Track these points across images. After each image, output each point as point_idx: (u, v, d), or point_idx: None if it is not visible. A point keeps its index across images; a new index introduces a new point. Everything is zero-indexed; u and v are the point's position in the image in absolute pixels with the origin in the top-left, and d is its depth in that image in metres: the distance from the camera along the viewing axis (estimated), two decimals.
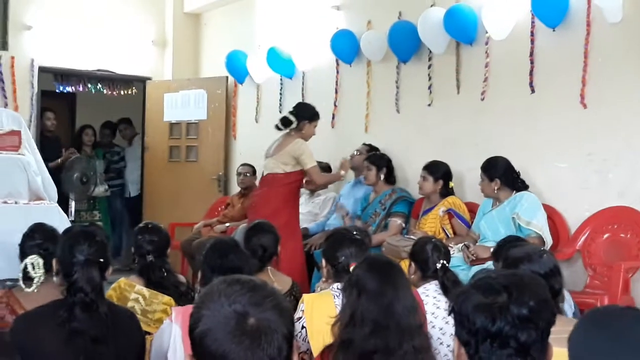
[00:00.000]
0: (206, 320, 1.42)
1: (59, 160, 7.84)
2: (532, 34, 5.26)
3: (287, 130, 5.76)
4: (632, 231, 4.61)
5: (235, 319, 1.40)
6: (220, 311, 1.41)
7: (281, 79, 7.57)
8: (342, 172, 5.93)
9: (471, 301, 1.63)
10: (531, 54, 5.26)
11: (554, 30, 5.07)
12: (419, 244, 3.57)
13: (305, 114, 5.79)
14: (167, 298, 3.68)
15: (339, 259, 3.23)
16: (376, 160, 5.89)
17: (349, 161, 6.03)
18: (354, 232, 3.38)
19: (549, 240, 4.65)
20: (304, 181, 5.85)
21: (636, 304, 4.46)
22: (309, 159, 5.67)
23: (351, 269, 3.02)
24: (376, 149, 6.26)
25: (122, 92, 8.85)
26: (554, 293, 2.69)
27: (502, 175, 4.90)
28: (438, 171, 5.40)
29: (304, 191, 6.88)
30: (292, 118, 5.74)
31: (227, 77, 8.20)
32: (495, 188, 4.90)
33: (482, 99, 5.62)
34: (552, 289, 2.66)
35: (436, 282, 3.40)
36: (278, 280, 3.75)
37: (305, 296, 3.15)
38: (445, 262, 3.43)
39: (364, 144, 6.34)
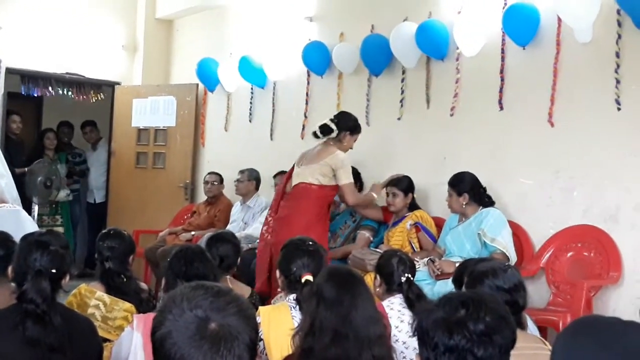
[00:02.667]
0: (167, 323, 1.41)
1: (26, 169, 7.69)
2: (502, 51, 5.31)
3: (324, 140, 5.30)
4: (595, 250, 4.65)
5: (195, 323, 1.39)
6: (182, 315, 1.41)
7: (252, 88, 7.55)
8: (375, 195, 5.49)
9: (431, 317, 1.66)
10: (501, 72, 5.31)
11: (524, 49, 5.12)
12: (385, 257, 3.56)
13: (347, 125, 5.33)
14: (128, 305, 3.63)
15: (292, 270, 3.21)
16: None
17: (380, 185, 5.51)
18: (309, 243, 3.36)
19: (513, 258, 4.67)
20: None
21: None
22: (347, 175, 5.20)
23: (303, 279, 3.01)
24: None
25: (91, 98, 8.71)
26: (518, 308, 2.69)
27: (470, 190, 4.92)
28: (403, 184, 5.40)
29: (271, 201, 6.86)
30: (333, 126, 5.27)
31: (197, 85, 8.16)
32: (464, 203, 4.92)
33: (452, 115, 5.65)
34: (516, 304, 2.67)
35: (401, 295, 3.39)
36: (237, 289, 3.71)
37: (261, 308, 3.13)
38: (410, 275, 3.43)
39: None
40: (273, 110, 7.34)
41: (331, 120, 5.31)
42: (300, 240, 3.44)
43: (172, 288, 2.96)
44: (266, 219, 5.59)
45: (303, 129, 6.98)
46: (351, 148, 5.37)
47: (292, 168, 5.48)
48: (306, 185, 5.21)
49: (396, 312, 3.33)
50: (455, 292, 1.78)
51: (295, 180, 5.30)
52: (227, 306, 1.41)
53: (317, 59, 6.62)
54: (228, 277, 3.91)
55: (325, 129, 5.26)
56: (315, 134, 5.30)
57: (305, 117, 6.98)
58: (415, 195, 5.48)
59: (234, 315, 1.41)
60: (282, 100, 7.27)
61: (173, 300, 1.45)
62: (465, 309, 1.66)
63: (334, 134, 5.25)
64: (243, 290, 3.86)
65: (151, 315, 1.67)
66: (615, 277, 4.50)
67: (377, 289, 3.50)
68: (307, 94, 6.98)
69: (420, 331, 1.70)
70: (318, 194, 5.20)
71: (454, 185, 4.96)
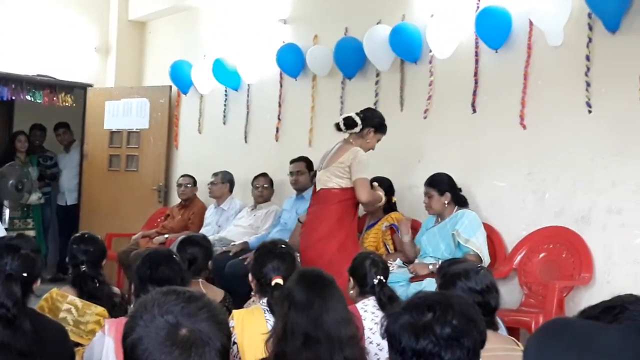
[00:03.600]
0: (138, 329, 1.40)
1: None
2: (475, 54, 5.34)
3: (347, 136, 4.94)
4: (567, 251, 4.70)
5: (166, 329, 1.38)
6: (153, 321, 1.40)
7: (226, 91, 7.52)
8: (382, 195, 5.16)
9: (399, 321, 1.65)
10: (474, 74, 5.34)
11: (496, 52, 5.16)
12: (358, 260, 3.57)
13: (373, 121, 4.95)
14: (100, 309, 3.60)
15: (263, 273, 3.21)
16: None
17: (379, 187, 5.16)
18: (280, 246, 3.35)
19: (486, 259, 4.70)
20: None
21: None
22: (361, 170, 4.79)
23: (273, 282, 3.00)
24: (311, 163, 6.26)
25: (60, 101, 8.60)
26: (490, 309, 2.71)
27: (448, 189, 4.93)
28: (384, 186, 5.40)
29: (245, 203, 6.85)
30: (357, 120, 4.88)
31: (170, 87, 8.11)
32: (446, 202, 4.91)
33: (425, 117, 5.68)
34: (488, 306, 2.69)
35: (374, 297, 3.39)
36: (209, 293, 3.70)
37: (235, 312, 3.12)
38: (382, 277, 3.43)
39: (301, 158, 6.32)
40: (247, 112, 7.33)
41: (356, 114, 4.95)
42: (272, 243, 3.44)
43: (141, 292, 2.96)
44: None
45: (277, 131, 6.97)
46: (372, 149, 4.98)
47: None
48: (327, 191, 4.87)
49: (370, 314, 3.34)
50: (423, 295, 1.77)
51: (317, 186, 5.00)
52: (198, 312, 1.41)
53: (291, 61, 6.62)
54: (200, 280, 3.88)
55: (349, 122, 4.90)
56: (337, 126, 4.95)
57: (279, 119, 6.97)
58: (394, 198, 5.49)
59: (205, 320, 1.40)
60: (256, 103, 7.26)
61: (144, 305, 1.44)
62: (431, 312, 1.65)
63: (357, 129, 4.88)
64: (216, 293, 3.84)
65: (123, 320, 1.67)
66: (587, 278, 4.55)
67: (351, 291, 3.51)
68: (281, 97, 6.97)
69: (388, 335, 1.69)
70: (341, 198, 4.84)
71: (435, 185, 4.95)
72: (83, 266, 3.72)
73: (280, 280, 2.99)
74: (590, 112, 4.65)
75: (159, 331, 1.38)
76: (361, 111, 5.01)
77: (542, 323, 1.72)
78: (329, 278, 2.58)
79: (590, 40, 4.67)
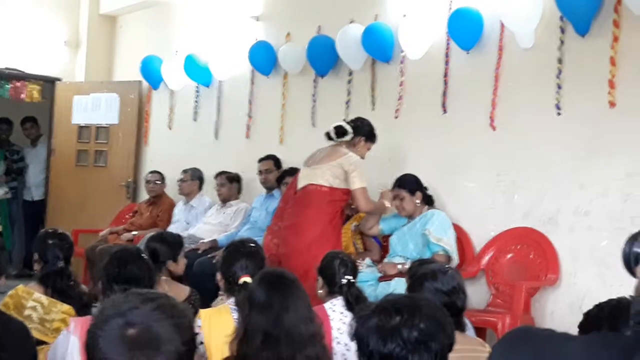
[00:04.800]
0: (96, 331, 1.39)
1: None
2: (446, 55, 5.36)
3: (337, 142, 4.92)
4: (534, 252, 4.73)
5: (119, 331, 1.37)
6: (108, 323, 1.39)
7: (197, 87, 7.47)
8: (387, 203, 5.03)
9: (367, 324, 1.65)
10: (445, 75, 5.36)
11: (467, 53, 5.18)
12: (327, 259, 3.56)
13: (364, 130, 4.98)
14: (66, 307, 3.55)
15: (231, 272, 3.19)
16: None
17: (389, 191, 5.05)
18: (249, 245, 3.34)
19: (455, 259, 4.72)
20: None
21: (536, 323, 4.58)
22: (360, 178, 4.76)
23: (240, 281, 2.99)
24: (279, 161, 6.23)
25: (28, 95, 8.48)
26: (456, 310, 2.72)
27: (418, 189, 4.94)
28: None
29: (215, 201, 6.81)
30: (348, 128, 4.91)
31: (140, 82, 8.03)
32: (417, 202, 4.92)
33: (396, 117, 5.69)
34: (454, 306, 2.69)
35: (343, 297, 3.39)
36: (173, 291, 3.67)
37: (202, 311, 3.10)
38: (351, 277, 3.43)
39: (269, 156, 6.30)
40: (218, 109, 7.28)
41: (347, 122, 5.00)
42: (240, 241, 3.42)
43: (108, 291, 2.93)
44: (270, 227, 5.20)
45: (248, 128, 6.95)
46: (362, 158, 4.93)
47: (298, 172, 5.13)
48: (316, 188, 4.78)
49: (338, 313, 3.33)
50: (391, 298, 1.76)
51: (302, 182, 4.88)
52: (152, 312, 1.40)
53: (263, 58, 6.59)
54: (163, 277, 3.84)
55: (340, 131, 4.90)
56: (328, 135, 4.93)
57: (250, 116, 6.94)
58: None
59: (160, 321, 1.39)
60: (227, 100, 7.22)
61: (103, 308, 1.44)
62: (399, 316, 1.65)
63: (348, 137, 4.89)
64: (180, 290, 3.80)
65: (89, 319, 1.65)
66: (553, 279, 4.58)
67: (320, 291, 3.50)
68: (252, 94, 6.94)
69: (356, 338, 1.69)
70: (329, 198, 4.76)
71: (406, 185, 4.94)
72: (60, 262, 3.65)
73: (248, 279, 2.98)
74: (559, 114, 4.69)
75: (113, 333, 1.38)
76: (352, 120, 5.07)
77: (507, 332, 1.72)
78: (291, 277, 2.58)
79: (561, 42, 4.71)
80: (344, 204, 4.90)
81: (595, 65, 4.54)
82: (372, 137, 5.04)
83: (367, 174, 4.83)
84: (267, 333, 2.37)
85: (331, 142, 4.95)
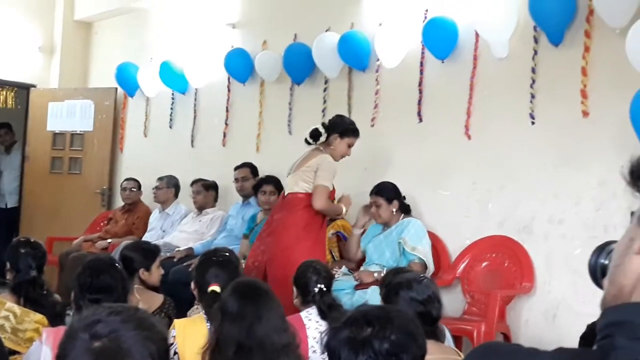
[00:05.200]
0: (66, 346, 1.37)
1: None
2: (421, 64, 5.39)
3: (315, 146, 4.89)
4: (509, 260, 4.76)
5: (86, 343, 1.36)
6: (76, 336, 1.38)
7: (173, 94, 7.44)
8: (344, 209, 5.03)
9: (338, 335, 1.65)
10: (420, 84, 5.39)
11: (442, 62, 5.21)
12: (301, 268, 3.56)
13: (336, 127, 4.89)
14: (39, 316, 3.51)
15: (204, 281, 3.18)
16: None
17: (349, 197, 5.12)
18: (221, 253, 3.33)
19: (431, 267, 4.74)
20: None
21: (511, 331, 4.61)
22: (326, 176, 4.73)
23: (209, 289, 2.98)
24: (255, 169, 6.22)
25: (2, 101, 8.40)
26: (431, 319, 2.73)
27: (395, 197, 4.96)
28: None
29: (191, 209, 6.78)
30: (321, 129, 4.85)
31: (116, 89, 7.98)
32: (394, 210, 4.93)
33: (372, 125, 5.70)
34: (429, 315, 2.70)
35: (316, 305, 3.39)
36: (146, 299, 3.65)
37: (176, 321, 3.08)
38: (323, 286, 3.42)
39: (246, 164, 6.29)
40: (194, 116, 7.26)
41: (322, 123, 4.98)
42: (214, 250, 3.42)
43: (80, 301, 2.90)
44: (259, 235, 5.17)
45: (224, 136, 6.93)
46: (347, 154, 4.92)
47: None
48: (294, 196, 4.80)
49: (314, 322, 3.33)
50: (363, 309, 1.77)
51: (286, 191, 4.94)
52: (120, 325, 1.39)
53: (240, 66, 6.59)
54: (136, 286, 3.81)
55: (314, 133, 4.86)
56: (306, 141, 4.90)
57: (227, 124, 6.93)
58: None
59: (128, 334, 1.38)
60: (204, 107, 7.20)
61: (72, 322, 1.46)
62: (371, 327, 1.65)
63: (322, 138, 4.85)
64: (154, 299, 3.78)
65: (62, 329, 1.64)
66: (528, 287, 4.62)
67: (295, 300, 3.50)
68: (228, 101, 6.93)
69: (328, 350, 1.69)
70: (305, 203, 4.74)
71: (383, 193, 4.96)
72: (33, 271, 3.61)
73: (216, 288, 2.97)
74: (533, 123, 4.73)
75: (79, 346, 1.38)
76: (329, 120, 5.04)
77: (473, 349, 1.73)
78: (263, 287, 2.58)
79: (535, 52, 4.76)
80: None
81: (568, 75, 4.58)
82: (348, 132, 4.91)
83: (333, 175, 4.77)
84: (239, 343, 2.36)
85: (311, 147, 4.94)
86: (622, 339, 0.74)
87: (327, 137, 4.85)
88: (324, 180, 4.72)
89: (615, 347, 0.74)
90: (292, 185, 4.83)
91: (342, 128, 4.90)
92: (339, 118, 5.01)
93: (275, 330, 2.41)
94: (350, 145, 4.91)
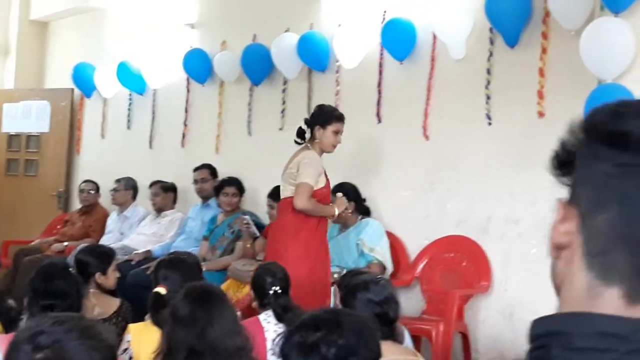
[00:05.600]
0: (10, 356, 1.35)
1: None
2: (380, 65, 5.41)
3: (303, 145, 4.55)
4: (467, 260, 4.81)
5: (31, 355, 1.34)
6: (21, 347, 1.36)
7: (130, 95, 7.36)
8: (336, 211, 4.53)
9: (290, 340, 1.65)
10: (379, 85, 5.41)
11: (401, 63, 5.24)
12: (257, 272, 3.55)
13: (316, 118, 4.54)
14: None
15: (156, 284, 3.15)
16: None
17: (344, 199, 4.71)
18: (179, 257, 3.31)
19: (389, 268, 4.76)
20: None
21: (469, 330, 4.65)
22: (306, 172, 4.35)
23: (153, 290, 2.96)
24: (215, 170, 6.18)
25: None
26: (389, 320, 2.73)
27: (353, 199, 4.96)
28: (274, 194, 5.39)
29: (149, 211, 6.71)
30: (304, 126, 4.54)
31: (72, 89, 7.87)
32: (350, 211, 4.94)
33: None
34: (387, 316, 2.71)
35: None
36: (102, 303, 3.61)
37: (131, 326, 3.05)
38: (278, 288, 3.41)
39: (205, 165, 6.25)
40: (152, 117, 7.19)
41: (305, 119, 4.60)
42: (172, 252, 3.39)
43: (33, 307, 2.85)
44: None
45: (183, 137, 6.88)
46: (337, 143, 4.56)
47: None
48: (283, 201, 4.51)
49: (273, 325, 3.31)
50: (314, 313, 1.77)
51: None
52: (63, 335, 1.38)
53: (198, 66, 6.54)
54: (93, 290, 3.75)
55: (298, 132, 4.57)
56: (296, 142, 4.60)
57: (186, 125, 6.88)
58: None
59: (71, 343, 1.36)
60: (162, 108, 7.14)
61: (17, 333, 1.44)
62: (319, 331, 1.65)
63: (307, 134, 4.53)
64: (110, 303, 3.72)
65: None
66: (485, 286, 4.66)
67: (254, 303, 3.48)
68: (187, 102, 6.87)
69: (281, 354, 1.69)
70: (292, 207, 4.40)
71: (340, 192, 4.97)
72: None
73: (161, 290, 2.94)
74: (490, 124, 4.78)
75: (23, 357, 1.37)
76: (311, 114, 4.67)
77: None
78: (216, 291, 2.56)
79: (491, 54, 4.80)
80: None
81: (524, 76, 4.64)
82: (329, 119, 4.52)
83: (316, 170, 4.39)
84: (191, 348, 2.35)
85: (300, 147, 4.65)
86: (558, 350, 0.74)
87: (312, 132, 4.53)
88: (305, 177, 4.35)
89: (552, 357, 0.74)
90: (282, 190, 4.54)
91: (322, 117, 4.55)
92: (317, 108, 4.69)
93: (228, 334, 2.40)
94: (337, 132, 4.54)
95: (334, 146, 4.56)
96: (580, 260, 0.79)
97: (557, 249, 0.83)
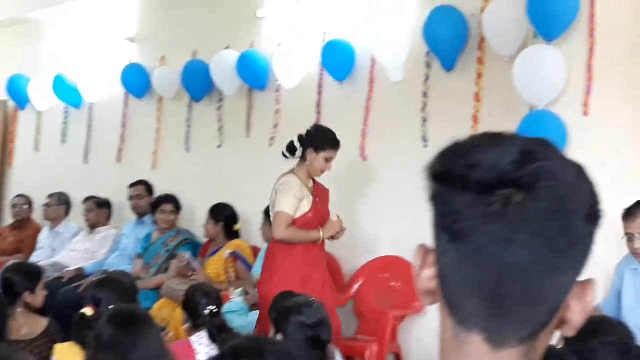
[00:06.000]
0: None
1: None
2: (320, 85, 5.44)
3: (294, 159, 4.35)
4: (402, 280, 4.84)
5: None
6: None
7: (66, 108, 7.23)
8: (322, 234, 4.25)
9: None
10: (318, 105, 5.44)
11: (340, 84, 5.27)
12: (189, 293, 3.51)
13: (310, 140, 4.26)
14: None
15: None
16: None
17: (340, 221, 4.39)
18: (111, 276, 3.26)
19: None
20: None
21: (402, 350, 4.68)
22: (281, 201, 4.14)
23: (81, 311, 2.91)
24: (151, 187, 6.13)
25: None
26: (321, 344, 2.73)
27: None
28: (220, 214, 5.37)
29: (83, 227, 6.56)
30: (296, 143, 4.29)
31: (6, 101, 7.69)
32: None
33: (271, 145, 5.70)
34: (318, 340, 2.71)
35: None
36: (29, 323, 3.52)
37: (57, 346, 2.99)
38: (214, 307, 3.38)
39: (140, 182, 6.17)
40: (88, 131, 7.07)
41: (299, 135, 4.35)
42: (105, 271, 3.33)
43: None
44: None
45: (120, 152, 6.78)
46: (326, 170, 4.30)
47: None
48: (272, 225, 4.28)
49: (205, 347, 3.27)
50: (238, 342, 1.75)
51: None
52: None
53: (137, 81, 6.48)
54: (20, 310, 3.64)
55: (289, 147, 4.33)
56: (283, 154, 4.39)
57: (123, 140, 6.78)
58: (238, 225, 5.45)
59: None
60: (99, 122, 7.03)
61: None
62: (243, 357, 1.64)
63: (298, 153, 4.29)
64: (38, 323, 3.62)
65: None
66: (419, 307, 4.70)
67: (185, 325, 3.44)
68: (125, 117, 6.78)
69: None
70: None
71: (268, 214, 4.96)
72: None
73: (87, 311, 2.88)
74: (426, 146, 4.84)
75: None
76: (307, 131, 4.41)
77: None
78: (141, 315, 2.52)
79: (427, 77, 4.88)
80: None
81: (460, 100, 4.72)
82: (323, 145, 4.25)
83: (294, 196, 4.18)
84: None
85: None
86: None
87: (303, 152, 4.28)
88: (281, 205, 4.15)
89: None
90: (271, 215, 4.30)
91: (317, 141, 4.27)
92: (314, 129, 4.42)
93: (153, 358, 2.36)
94: (328, 160, 4.28)
95: (323, 172, 4.32)
96: (443, 307, 0.78)
97: (429, 295, 0.80)
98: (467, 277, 0.74)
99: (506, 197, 0.72)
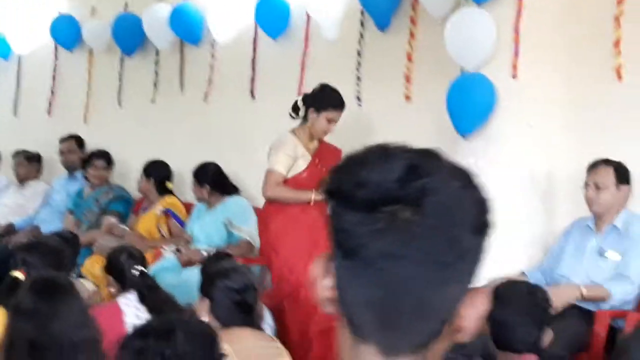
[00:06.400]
0: None
1: None
2: (254, 41, 5.38)
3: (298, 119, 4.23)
4: None
5: None
6: None
7: None
8: (312, 196, 4.07)
9: (126, 346, 1.67)
10: (253, 61, 5.39)
11: (275, 41, 5.23)
12: (112, 256, 3.48)
13: (313, 100, 4.15)
14: None
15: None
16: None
17: None
18: (43, 239, 3.21)
19: (257, 245, 4.78)
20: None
21: None
22: (273, 159, 4.09)
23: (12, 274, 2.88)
24: (82, 142, 6.03)
25: None
26: (248, 308, 2.76)
27: (211, 181, 4.94)
28: (153, 171, 5.32)
29: (12, 181, 6.41)
30: (299, 102, 4.19)
31: None
32: (205, 193, 4.94)
33: (205, 100, 5.65)
34: (245, 304, 2.74)
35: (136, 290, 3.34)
36: None
37: None
38: (141, 267, 3.37)
39: (71, 136, 6.05)
40: (17, 83, 6.89)
41: (304, 94, 4.29)
42: (38, 237, 3.27)
43: None
44: None
45: (50, 105, 6.63)
46: (328, 131, 4.21)
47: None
48: None
49: (133, 308, 3.27)
50: (154, 320, 1.78)
51: None
52: None
53: (66, 33, 6.32)
54: None
55: (293, 107, 4.21)
56: (290, 115, 4.26)
57: (53, 93, 6.63)
58: (170, 184, 5.41)
59: None
60: (28, 74, 6.85)
61: None
62: (150, 339, 1.67)
63: (301, 112, 4.16)
64: None
65: None
66: None
67: (112, 290, 3.41)
68: (55, 70, 6.62)
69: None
70: None
71: (196, 175, 4.97)
72: None
73: (18, 274, 2.84)
74: (360, 105, 4.86)
75: None
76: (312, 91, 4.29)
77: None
78: (62, 282, 2.49)
79: (362, 36, 4.87)
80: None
81: (393, 60, 4.73)
82: (325, 105, 4.13)
83: (285, 154, 4.12)
84: (32, 342, 2.28)
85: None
86: None
87: (305, 113, 4.17)
88: (271, 163, 4.09)
89: None
90: None
91: (318, 101, 4.15)
92: (318, 88, 4.24)
93: (76, 327, 2.34)
94: (330, 121, 4.16)
95: (325, 133, 4.22)
96: (341, 317, 0.80)
97: (329, 302, 0.81)
98: (360, 292, 0.76)
99: (392, 214, 0.74)
